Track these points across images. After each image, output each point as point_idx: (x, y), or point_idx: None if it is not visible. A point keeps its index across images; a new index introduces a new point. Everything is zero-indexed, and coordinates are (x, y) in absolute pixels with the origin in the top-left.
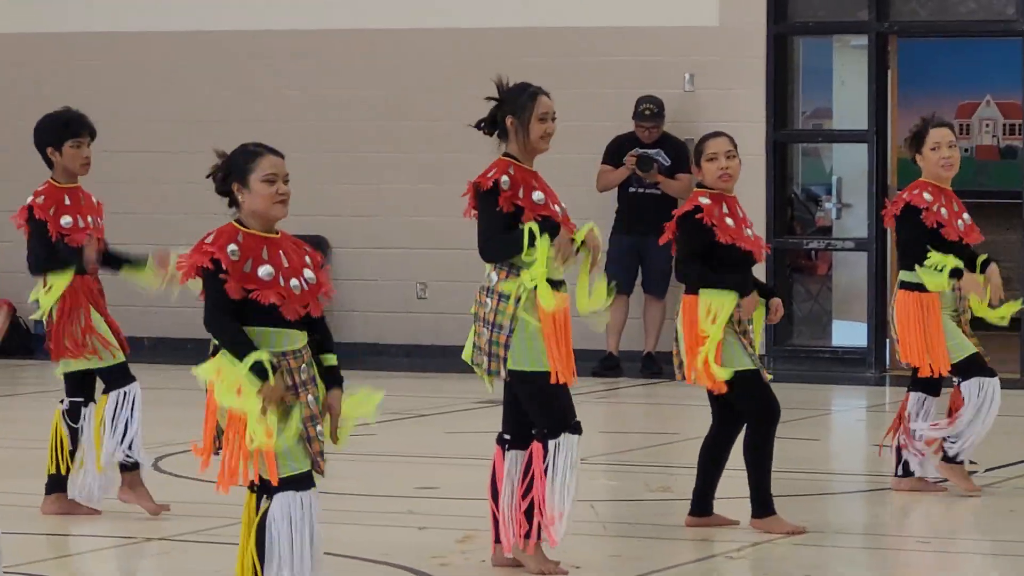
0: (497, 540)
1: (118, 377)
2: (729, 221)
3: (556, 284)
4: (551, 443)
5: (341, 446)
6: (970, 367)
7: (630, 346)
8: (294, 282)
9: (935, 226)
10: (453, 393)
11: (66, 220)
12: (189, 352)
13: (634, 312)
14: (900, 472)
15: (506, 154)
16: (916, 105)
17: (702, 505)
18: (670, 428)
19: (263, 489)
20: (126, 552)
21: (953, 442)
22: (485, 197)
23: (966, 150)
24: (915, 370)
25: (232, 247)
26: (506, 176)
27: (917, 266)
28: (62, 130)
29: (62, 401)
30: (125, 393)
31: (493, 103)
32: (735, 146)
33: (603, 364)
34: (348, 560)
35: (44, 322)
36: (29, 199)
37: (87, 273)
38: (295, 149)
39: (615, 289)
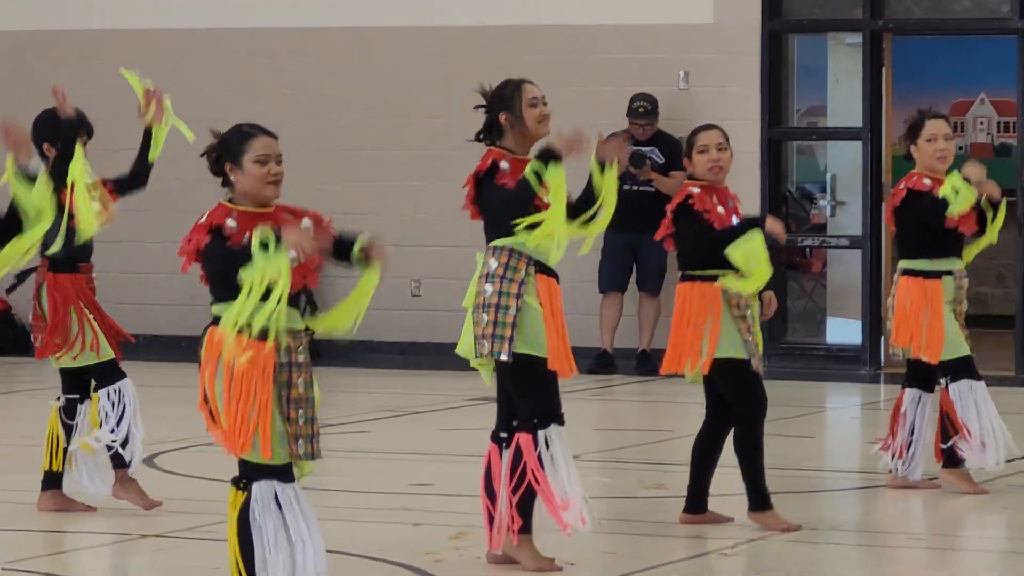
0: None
1: (109, 374)
2: (720, 210)
3: (548, 272)
4: (541, 433)
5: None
6: (960, 369)
7: (624, 343)
8: (291, 254)
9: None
10: (447, 390)
11: None
12: (183, 350)
13: (628, 309)
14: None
15: (499, 147)
16: (911, 103)
17: (696, 502)
18: (664, 425)
19: (245, 476)
20: (121, 548)
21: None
22: (486, 180)
23: (960, 148)
24: (909, 365)
25: (230, 220)
26: (505, 161)
27: (950, 197)
28: (59, 127)
29: (58, 398)
30: (116, 390)
31: (484, 111)
32: (727, 139)
33: (598, 361)
34: (342, 556)
35: (31, 319)
36: None
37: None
38: (294, 147)
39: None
